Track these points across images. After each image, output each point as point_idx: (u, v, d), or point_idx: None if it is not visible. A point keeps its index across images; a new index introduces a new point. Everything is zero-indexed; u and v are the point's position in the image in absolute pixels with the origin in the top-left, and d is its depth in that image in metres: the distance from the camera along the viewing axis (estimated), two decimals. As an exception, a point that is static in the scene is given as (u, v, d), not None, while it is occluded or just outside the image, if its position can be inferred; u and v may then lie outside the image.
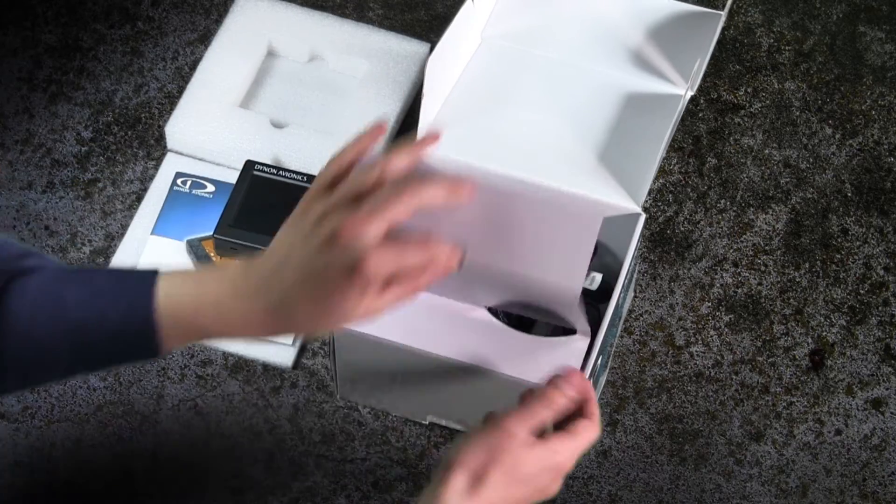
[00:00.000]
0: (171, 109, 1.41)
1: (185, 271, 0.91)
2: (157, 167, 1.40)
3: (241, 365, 1.29)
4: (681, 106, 1.24)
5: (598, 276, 1.24)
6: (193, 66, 1.45)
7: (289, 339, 1.29)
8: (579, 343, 1.14)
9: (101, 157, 1.41)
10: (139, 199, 1.38)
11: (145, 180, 1.39)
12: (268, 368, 1.29)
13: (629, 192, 1.19)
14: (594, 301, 1.23)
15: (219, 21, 1.49)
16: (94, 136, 1.42)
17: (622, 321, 1.31)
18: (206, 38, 1.49)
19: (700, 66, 1.24)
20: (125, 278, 0.91)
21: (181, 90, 1.44)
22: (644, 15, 1.31)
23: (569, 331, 1.19)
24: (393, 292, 0.88)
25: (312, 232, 0.87)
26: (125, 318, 0.89)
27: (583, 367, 1.12)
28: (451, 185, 0.89)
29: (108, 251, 1.35)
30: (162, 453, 1.24)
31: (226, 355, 1.29)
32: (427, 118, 1.23)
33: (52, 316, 0.89)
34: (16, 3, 1.50)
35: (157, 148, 1.42)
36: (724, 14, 1.28)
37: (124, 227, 1.36)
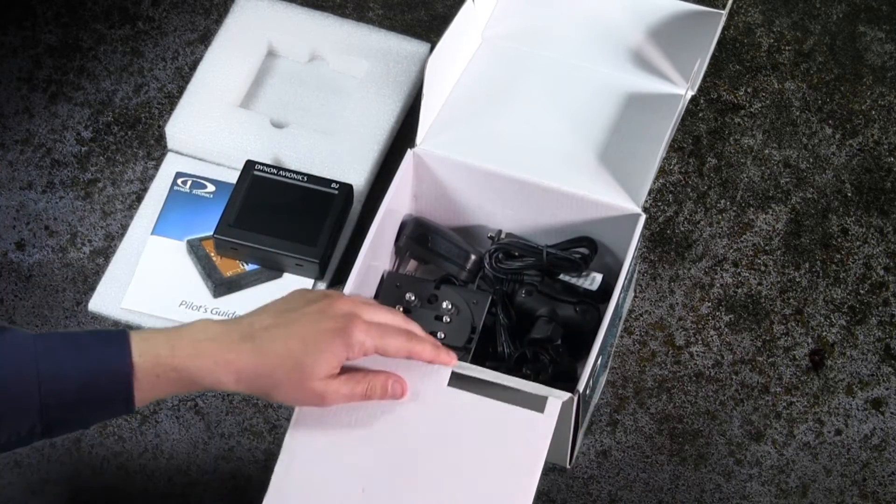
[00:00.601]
0: (171, 109, 1.41)
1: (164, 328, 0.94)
2: (157, 167, 1.40)
3: (241, 365, 1.29)
4: (681, 106, 1.24)
5: (599, 276, 1.24)
6: (193, 66, 1.45)
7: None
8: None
9: (101, 157, 1.41)
10: (139, 199, 1.38)
11: (145, 180, 1.39)
12: (268, 368, 1.29)
13: (629, 192, 1.19)
14: (594, 301, 1.23)
15: (219, 21, 1.48)
16: (94, 136, 1.42)
17: (622, 321, 1.31)
18: (206, 38, 1.49)
19: (700, 65, 1.24)
20: (97, 332, 0.92)
21: (181, 90, 1.44)
22: (644, 15, 1.31)
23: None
24: (359, 384, 0.97)
25: (314, 300, 0.95)
26: (99, 363, 0.89)
27: (576, 384, 1.12)
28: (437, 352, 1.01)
29: (108, 251, 1.35)
30: (162, 453, 1.24)
31: (226, 355, 1.29)
32: (427, 118, 1.23)
33: (20, 362, 0.88)
34: (16, 3, 1.50)
35: (157, 148, 1.41)
36: (724, 13, 1.28)
37: (124, 227, 1.36)
